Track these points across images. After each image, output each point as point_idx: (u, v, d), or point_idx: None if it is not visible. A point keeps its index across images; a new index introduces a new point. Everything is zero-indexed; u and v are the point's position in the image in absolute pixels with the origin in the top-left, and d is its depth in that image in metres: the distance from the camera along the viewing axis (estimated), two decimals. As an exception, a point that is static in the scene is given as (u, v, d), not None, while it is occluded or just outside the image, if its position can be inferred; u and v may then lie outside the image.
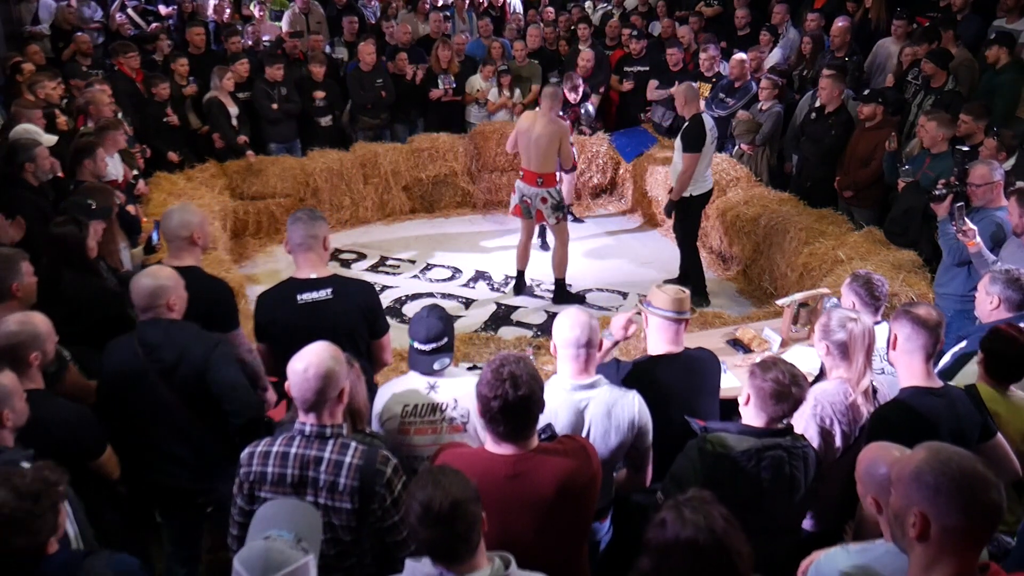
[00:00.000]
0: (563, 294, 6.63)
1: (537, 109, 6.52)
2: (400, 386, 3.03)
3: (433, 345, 2.97)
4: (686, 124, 6.18)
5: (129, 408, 3.15)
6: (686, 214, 6.46)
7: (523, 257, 6.76)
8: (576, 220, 8.11)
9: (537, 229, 7.91)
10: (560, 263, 6.59)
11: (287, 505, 2.31)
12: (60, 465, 2.60)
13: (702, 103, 6.79)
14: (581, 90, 7.91)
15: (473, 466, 2.31)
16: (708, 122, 6.17)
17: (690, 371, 3.21)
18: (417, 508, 1.97)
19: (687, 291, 3.26)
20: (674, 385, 3.12)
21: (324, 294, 3.42)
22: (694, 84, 6.61)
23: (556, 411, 2.71)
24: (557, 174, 6.50)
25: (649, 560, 1.81)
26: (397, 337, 3.98)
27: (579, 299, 6.63)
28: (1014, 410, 3.00)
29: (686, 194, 6.30)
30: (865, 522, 2.72)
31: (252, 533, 2.20)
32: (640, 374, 3.10)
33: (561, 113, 6.89)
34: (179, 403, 3.09)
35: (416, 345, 2.99)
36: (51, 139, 5.25)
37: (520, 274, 6.82)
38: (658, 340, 3.20)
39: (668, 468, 2.73)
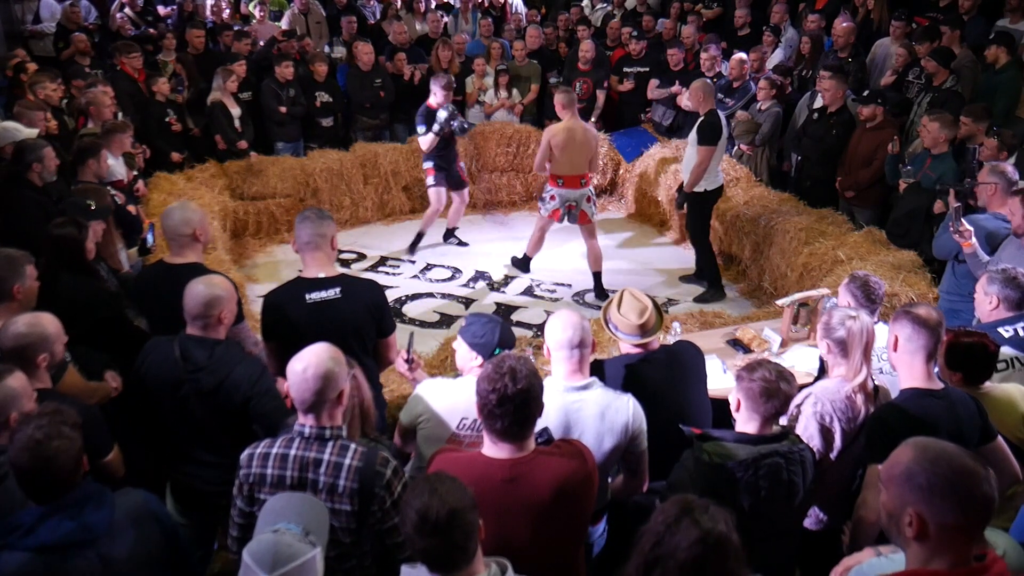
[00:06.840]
0: (602, 289, 6.58)
1: (566, 121, 6.26)
2: (461, 395, 2.88)
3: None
4: (702, 119, 6.25)
5: (158, 410, 3.15)
6: (698, 209, 6.52)
7: (535, 246, 6.87)
8: (461, 244, 7.72)
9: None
10: (597, 257, 6.59)
11: (295, 498, 2.31)
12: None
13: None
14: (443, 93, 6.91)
15: (470, 470, 2.31)
16: (722, 118, 6.29)
17: (673, 365, 3.19)
18: (414, 517, 1.94)
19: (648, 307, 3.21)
20: (660, 382, 3.11)
21: (332, 293, 3.43)
22: (708, 81, 6.63)
23: (548, 413, 2.67)
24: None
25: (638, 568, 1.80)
26: (398, 338, 3.98)
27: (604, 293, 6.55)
28: (998, 403, 2.99)
29: (699, 189, 6.35)
30: (862, 523, 2.72)
31: (260, 526, 2.20)
32: (627, 374, 3.09)
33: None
34: (208, 418, 3.09)
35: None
36: (31, 132, 5.11)
37: (527, 258, 6.96)
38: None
39: (662, 468, 2.71)
